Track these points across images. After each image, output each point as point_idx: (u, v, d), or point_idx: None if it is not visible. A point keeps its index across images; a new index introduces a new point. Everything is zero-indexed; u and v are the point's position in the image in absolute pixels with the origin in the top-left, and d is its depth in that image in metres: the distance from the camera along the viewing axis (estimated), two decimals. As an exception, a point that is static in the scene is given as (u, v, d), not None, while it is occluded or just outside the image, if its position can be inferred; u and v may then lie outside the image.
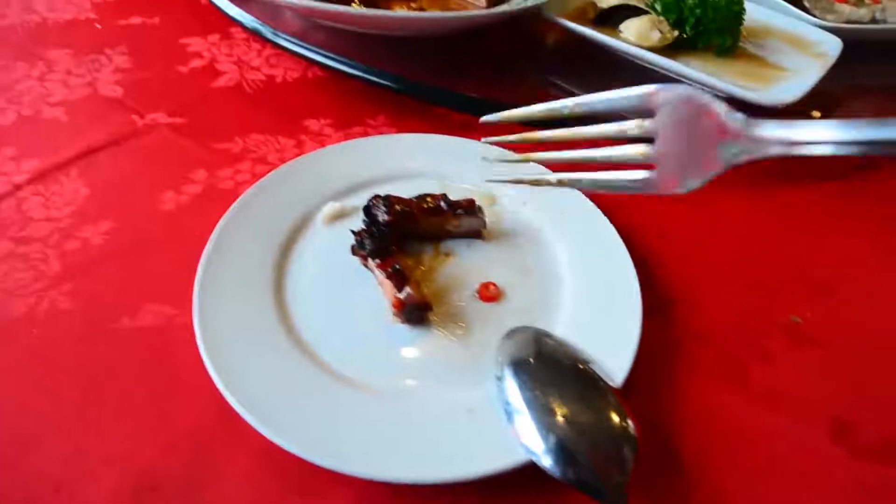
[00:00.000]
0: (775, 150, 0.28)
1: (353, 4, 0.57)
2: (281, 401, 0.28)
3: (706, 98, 0.30)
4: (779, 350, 0.36)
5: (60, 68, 0.58)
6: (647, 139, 0.31)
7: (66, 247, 0.39)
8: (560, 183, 0.35)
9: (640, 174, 0.32)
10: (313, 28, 0.61)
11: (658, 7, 0.57)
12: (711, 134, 0.30)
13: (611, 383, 0.29)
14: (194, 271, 0.34)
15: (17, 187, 0.43)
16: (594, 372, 0.30)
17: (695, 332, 0.36)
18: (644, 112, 0.32)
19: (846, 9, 0.72)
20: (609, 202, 0.42)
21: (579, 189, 0.39)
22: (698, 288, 0.39)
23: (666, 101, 0.31)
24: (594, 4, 0.61)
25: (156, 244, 0.39)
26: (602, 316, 0.34)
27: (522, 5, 0.54)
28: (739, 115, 0.29)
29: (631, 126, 0.32)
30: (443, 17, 0.51)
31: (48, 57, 0.60)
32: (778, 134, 0.28)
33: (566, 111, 0.35)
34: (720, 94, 0.50)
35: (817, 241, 0.45)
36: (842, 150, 0.27)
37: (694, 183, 0.30)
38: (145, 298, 0.35)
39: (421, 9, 0.58)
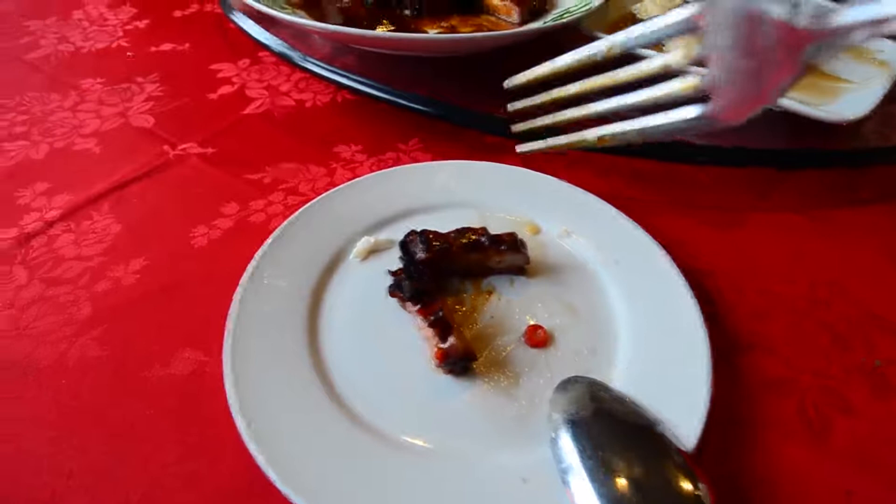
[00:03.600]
0: (861, 36, 0.24)
1: (381, 28, 0.55)
2: (314, 464, 0.26)
3: (761, 3, 0.25)
4: (862, 400, 0.32)
5: (93, 98, 0.58)
6: (697, 65, 0.27)
7: (96, 288, 0.38)
8: (601, 139, 0.31)
9: (693, 109, 0.27)
10: (342, 51, 0.60)
11: (704, 18, 0.53)
12: (777, 39, 0.25)
13: (679, 445, 0.26)
14: (226, 314, 0.33)
15: (49, 224, 0.43)
16: (659, 432, 0.27)
17: (769, 382, 0.33)
18: (689, 32, 0.27)
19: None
20: (658, 227, 0.39)
21: (626, 142, 0.32)
22: (767, 327, 0.36)
23: (715, 16, 0.26)
24: (633, 16, 0.58)
25: (187, 284, 0.38)
26: (664, 364, 0.31)
27: (559, 21, 0.51)
28: (807, 7, 0.24)
29: (676, 56, 0.27)
30: (475, 38, 0.49)
31: (81, 87, 0.60)
32: (858, 17, 0.23)
33: (600, 56, 0.30)
34: (776, 109, 0.47)
35: (878, 272, 0.41)
36: None
37: (763, 102, 0.25)
38: (177, 343, 0.34)
39: (452, 27, 0.56)
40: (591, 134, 0.32)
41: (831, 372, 0.33)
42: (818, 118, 0.44)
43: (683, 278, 0.34)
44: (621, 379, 0.30)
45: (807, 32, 0.24)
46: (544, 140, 0.36)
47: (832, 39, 0.24)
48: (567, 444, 0.26)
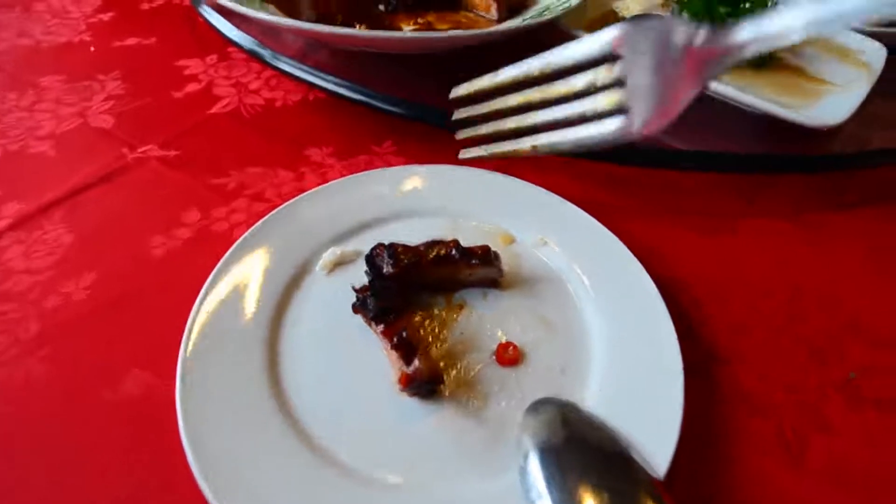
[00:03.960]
0: (752, 50, 0.28)
1: (359, 26, 0.53)
2: (270, 501, 0.24)
3: (668, 24, 0.29)
4: (838, 415, 0.32)
5: (51, 97, 0.55)
6: (618, 83, 0.31)
7: (46, 304, 0.35)
8: (534, 149, 0.35)
9: (615, 121, 0.31)
10: (315, 47, 0.58)
11: (686, 15, 0.52)
12: (681, 59, 0.29)
13: (651, 473, 0.25)
14: (181, 332, 0.31)
15: (-2, 234, 0.40)
16: (631, 458, 0.26)
17: (743, 397, 0.32)
18: (612, 58, 0.31)
19: (887, 8, 0.67)
20: (638, 234, 0.38)
21: (558, 152, 0.36)
22: (742, 341, 0.35)
23: (630, 40, 0.30)
24: (615, 13, 0.56)
25: (142, 299, 0.36)
26: (637, 382, 0.30)
27: (537, 19, 0.50)
28: (703, 30, 0.29)
29: (600, 75, 0.31)
30: (451, 37, 0.47)
31: (40, 84, 0.57)
32: (749, 34, 0.27)
33: (535, 72, 0.34)
34: (758, 112, 0.46)
35: (863, 279, 0.40)
36: (813, 29, 0.26)
37: (671, 114, 0.30)
38: (128, 364, 0.32)
39: (429, 24, 0.54)
40: (527, 143, 0.35)
41: (808, 387, 0.32)
42: (800, 123, 0.43)
43: (658, 293, 0.33)
44: (593, 399, 0.29)
45: (704, 52, 0.29)
46: (484, 147, 0.39)
47: (727, 56, 0.28)
48: (536, 473, 0.25)
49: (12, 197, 0.43)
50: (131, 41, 0.65)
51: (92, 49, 0.64)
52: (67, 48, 0.64)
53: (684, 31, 0.29)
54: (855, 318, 0.37)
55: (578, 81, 0.32)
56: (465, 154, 0.40)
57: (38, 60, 0.62)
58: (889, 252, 0.42)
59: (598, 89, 0.31)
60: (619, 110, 0.31)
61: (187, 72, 0.59)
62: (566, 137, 0.33)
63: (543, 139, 0.34)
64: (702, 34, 0.28)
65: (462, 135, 0.40)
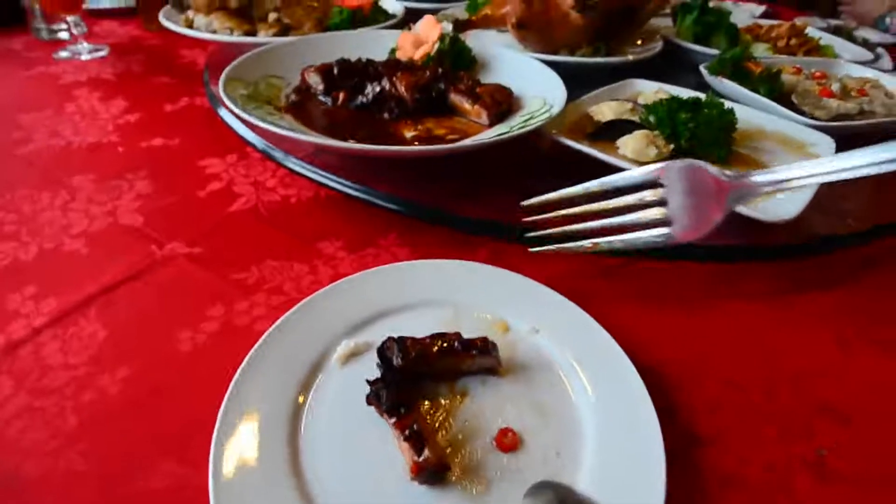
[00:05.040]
0: (766, 191, 0.41)
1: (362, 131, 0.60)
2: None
3: (700, 164, 0.42)
4: (808, 489, 0.35)
5: (83, 196, 0.61)
6: (660, 203, 0.43)
7: (82, 398, 0.39)
8: (595, 246, 0.45)
9: (661, 231, 0.43)
10: (323, 150, 0.65)
11: (652, 120, 0.59)
12: (710, 190, 0.42)
13: (641, 552, 0.28)
14: (208, 424, 0.34)
15: (37, 331, 0.44)
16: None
17: (722, 477, 0.35)
18: (654, 184, 0.43)
19: (834, 103, 0.75)
20: (621, 318, 0.43)
21: (613, 252, 0.47)
22: (719, 421, 0.38)
23: (670, 172, 0.42)
24: (590, 117, 0.64)
25: (171, 391, 0.39)
26: (624, 464, 0.33)
27: (523, 128, 0.56)
28: (729, 172, 0.42)
29: (647, 194, 0.43)
30: (445, 148, 0.54)
31: (71, 184, 0.63)
32: (762, 179, 0.41)
33: (595, 188, 0.46)
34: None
35: (829, 358, 0.44)
36: (815, 181, 0.39)
37: (705, 229, 0.41)
38: (160, 456, 0.35)
39: (428, 130, 0.61)
40: (588, 243, 0.45)
41: (779, 465, 0.36)
42: (759, 219, 0.49)
43: (640, 378, 0.37)
44: (586, 481, 0.32)
45: (729, 184, 0.41)
46: (554, 245, 0.48)
47: (746, 191, 0.41)
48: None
49: (49, 293, 0.47)
50: (157, 141, 0.72)
51: (120, 150, 0.70)
52: (97, 148, 0.71)
53: (714, 172, 0.40)
54: (821, 396, 0.41)
55: (630, 198, 0.43)
56: (535, 250, 0.48)
57: (69, 160, 0.68)
58: (854, 332, 0.46)
59: (646, 205, 0.43)
60: (663, 222, 0.42)
61: (209, 171, 0.65)
62: (622, 239, 0.44)
63: (603, 241, 0.44)
64: (727, 174, 0.40)
65: (532, 235, 0.49)
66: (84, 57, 1.01)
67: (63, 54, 1.01)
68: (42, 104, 0.82)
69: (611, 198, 0.45)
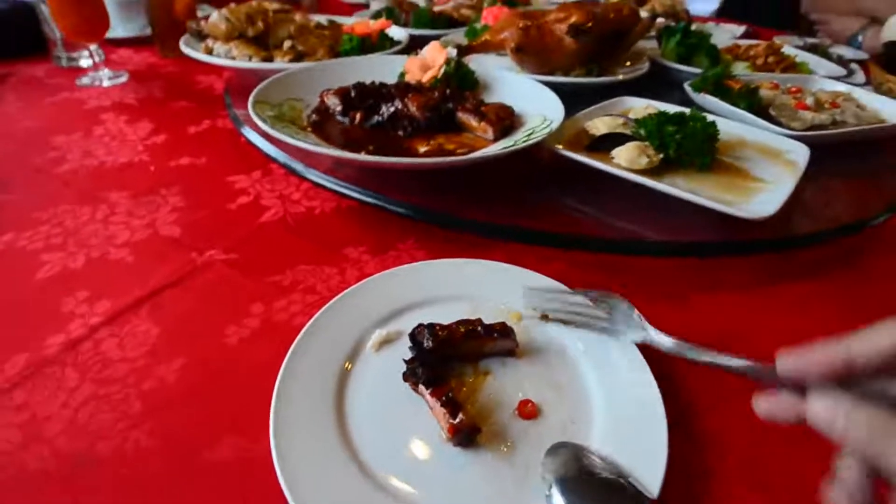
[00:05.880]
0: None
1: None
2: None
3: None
4: (783, 447, 0.40)
5: (122, 210, 0.66)
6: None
7: (144, 386, 0.43)
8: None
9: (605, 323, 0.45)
10: (343, 164, 0.70)
11: (643, 133, 0.65)
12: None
13: (648, 495, 0.33)
14: (262, 403, 0.38)
15: (94, 329, 0.48)
16: (632, 485, 0.33)
17: (714, 438, 0.40)
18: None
19: (809, 115, 0.82)
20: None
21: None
22: (711, 393, 0.43)
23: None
24: (587, 132, 0.70)
25: (225, 378, 0.44)
26: (631, 430, 0.38)
27: (527, 142, 0.62)
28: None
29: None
30: (452, 161, 0.59)
31: (110, 199, 0.68)
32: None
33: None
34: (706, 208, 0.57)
35: (803, 339, 0.50)
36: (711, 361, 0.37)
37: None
38: (221, 432, 0.39)
39: (440, 145, 0.67)
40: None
41: (763, 429, 0.41)
42: (741, 216, 0.55)
43: (641, 355, 0.42)
44: (598, 442, 0.37)
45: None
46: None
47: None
48: (559, 501, 0.33)
49: (101, 296, 0.52)
50: (184, 160, 0.77)
51: (152, 168, 0.76)
52: (129, 167, 0.76)
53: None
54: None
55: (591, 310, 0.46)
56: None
57: (104, 178, 0.73)
58: (825, 316, 0.52)
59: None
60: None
61: (237, 186, 0.70)
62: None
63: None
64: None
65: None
66: (105, 83, 1.06)
67: (85, 80, 1.07)
68: (71, 127, 0.87)
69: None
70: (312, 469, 0.34)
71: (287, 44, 0.95)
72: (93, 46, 1.08)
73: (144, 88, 1.05)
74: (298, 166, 0.67)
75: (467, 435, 0.36)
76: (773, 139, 0.74)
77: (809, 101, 0.86)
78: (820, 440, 0.27)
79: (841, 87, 0.96)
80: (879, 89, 1.01)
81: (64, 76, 1.11)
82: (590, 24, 0.87)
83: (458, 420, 0.35)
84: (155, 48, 1.27)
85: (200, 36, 1.02)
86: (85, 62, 1.16)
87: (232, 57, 0.93)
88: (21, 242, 0.59)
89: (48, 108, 0.96)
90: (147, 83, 1.08)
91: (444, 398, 0.37)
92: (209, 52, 0.96)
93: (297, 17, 1.00)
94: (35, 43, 1.19)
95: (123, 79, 1.09)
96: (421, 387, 0.39)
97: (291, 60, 0.93)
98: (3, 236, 0.60)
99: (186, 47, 0.96)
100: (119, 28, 1.30)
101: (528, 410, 0.39)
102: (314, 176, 0.65)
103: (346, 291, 0.48)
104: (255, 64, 0.91)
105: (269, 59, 0.93)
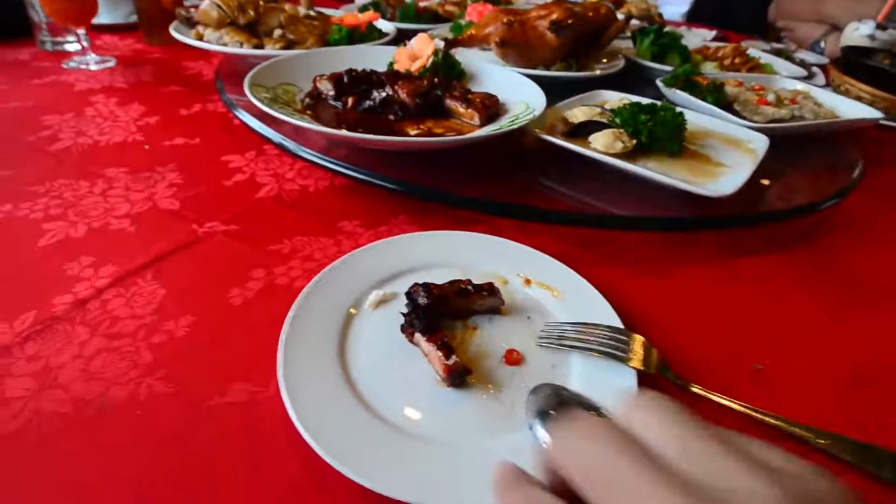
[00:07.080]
0: None
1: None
2: (358, 453, 0.35)
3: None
4: (747, 391, 0.45)
5: (120, 185, 0.67)
6: None
7: (153, 340, 0.46)
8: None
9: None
10: (336, 144, 0.73)
11: (618, 121, 0.70)
12: None
13: (619, 424, 0.37)
14: (269, 354, 0.42)
15: (100, 290, 0.51)
16: (604, 414, 0.38)
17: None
18: None
19: (769, 110, 0.89)
20: (594, 278, 0.52)
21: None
22: (679, 346, 0.48)
23: None
24: (566, 120, 0.75)
25: (232, 333, 0.47)
26: (604, 373, 0.42)
27: (511, 126, 0.67)
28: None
29: None
30: (445, 141, 0.63)
31: (107, 175, 0.69)
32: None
33: None
34: (676, 187, 0.62)
35: (768, 305, 0.55)
36: None
37: None
38: (231, 379, 0.42)
39: (429, 128, 0.71)
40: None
41: (727, 377, 0.46)
42: (704, 194, 0.60)
43: (613, 309, 0.47)
44: (575, 384, 0.42)
45: None
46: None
47: None
48: (539, 429, 0.37)
49: (106, 262, 0.54)
50: (179, 140, 0.79)
51: (146, 147, 0.77)
52: (124, 146, 0.78)
53: None
54: (761, 332, 0.51)
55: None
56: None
57: (99, 156, 0.75)
58: (786, 284, 0.58)
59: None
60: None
61: (232, 165, 0.73)
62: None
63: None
64: None
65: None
66: (93, 67, 1.07)
67: (72, 64, 1.07)
68: (62, 108, 0.88)
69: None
70: (319, 404, 0.38)
71: (277, 32, 0.97)
72: (80, 31, 1.08)
73: (133, 73, 1.06)
74: (292, 146, 0.70)
75: (460, 374, 0.40)
76: (737, 130, 0.80)
77: (771, 97, 0.93)
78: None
79: (800, 86, 1.03)
80: (837, 90, 1.09)
81: (50, 60, 1.11)
82: (570, 21, 0.92)
83: (452, 361, 0.39)
84: (140, 35, 1.28)
85: (190, 23, 1.04)
86: (71, 46, 1.16)
87: (223, 43, 0.95)
88: (21, 212, 0.61)
89: (36, 89, 0.96)
90: (135, 68, 1.09)
91: (439, 342, 0.40)
92: (200, 38, 0.98)
93: (287, 6, 1.02)
94: (17, 26, 1.18)
95: (111, 63, 1.10)
96: (417, 335, 0.43)
97: (282, 48, 0.95)
98: (1, 206, 0.62)
99: (177, 33, 0.98)
100: (104, 15, 1.30)
101: (514, 358, 0.43)
102: (308, 154, 0.68)
103: (346, 255, 0.52)
104: (247, 50, 0.93)
105: (260, 47, 0.96)
